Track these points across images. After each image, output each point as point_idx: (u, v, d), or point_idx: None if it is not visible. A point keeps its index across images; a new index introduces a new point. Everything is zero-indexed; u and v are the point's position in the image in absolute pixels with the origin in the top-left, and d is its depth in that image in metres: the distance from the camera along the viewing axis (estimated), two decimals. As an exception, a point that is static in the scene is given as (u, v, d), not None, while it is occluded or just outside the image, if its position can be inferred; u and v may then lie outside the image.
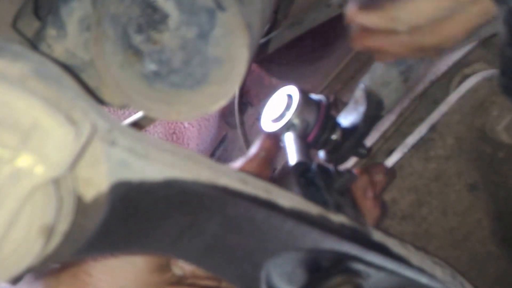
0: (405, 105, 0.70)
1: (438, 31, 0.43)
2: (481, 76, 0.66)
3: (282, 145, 0.62)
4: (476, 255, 0.68)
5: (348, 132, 0.64)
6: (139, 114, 0.56)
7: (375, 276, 0.33)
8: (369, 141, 0.69)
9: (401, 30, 0.44)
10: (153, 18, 0.33)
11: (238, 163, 0.44)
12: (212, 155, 1.16)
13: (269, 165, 0.44)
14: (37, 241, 0.24)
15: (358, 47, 0.50)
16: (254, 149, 0.44)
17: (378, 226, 0.41)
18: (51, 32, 0.38)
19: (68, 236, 0.25)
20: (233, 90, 0.35)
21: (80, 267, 0.36)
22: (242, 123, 0.89)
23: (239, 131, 0.90)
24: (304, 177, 0.44)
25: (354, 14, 0.46)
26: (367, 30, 0.47)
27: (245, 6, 0.34)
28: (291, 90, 0.66)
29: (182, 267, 0.39)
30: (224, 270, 0.33)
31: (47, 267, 0.29)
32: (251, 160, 0.43)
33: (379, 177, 0.47)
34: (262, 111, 0.69)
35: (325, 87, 0.88)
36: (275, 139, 0.46)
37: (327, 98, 0.66)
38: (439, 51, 0.47)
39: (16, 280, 0.25)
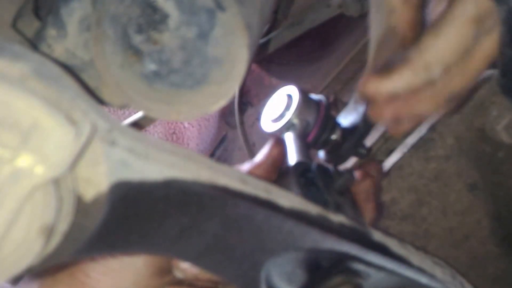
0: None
1: (468, 66, 0.37)
2: (480, 76, 0.66)
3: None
4: (476, 255, 0.68)
5: (348, 132, 0.64)
6: (139, 114, 0.56)
7: (375, 276, 0.33)
8: (369, 141, 0.69)
9: (436, 77, 0.37)
10: (153, 18, 0.33)
11: (243, 167, 0.44)
12: (212, 155, 1.16)
13: (274, 173, 0.44)
14: (37, 241, 0.24)
15: (386, 121, 0.40)
16: (261, 155, 0.44)
17: (377, 226, 0.41)
18: (51, 32, 0.38)
19: (68, 236, 0.25)
20: (233, 90, 0.35)
21: (78, 267, 0.35)
22: (242, 123, 0.90)
23: (239, 131, 0.90)
24: (304, 177, 0.44)
25: (377, 84, 0.37)
26: (394, 97, 0.38)
27: (245, 6, 0.34)
28: (291, 90, 0.66)
29: (184, 270, 0.39)
30: (224, 270, 0.33)
31: (47, 267, 0.29)
32: (257, 167, 0.43)
33: (373, 174, 0.46)
34: (262, 111, 0.69)
35: (325, 87, 0.89)
36: (282, 146, 0.46)
37: (327, 98, 0.66)
38: (461, 98, 0.40)
39: (16, 280, 0.25)
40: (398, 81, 0.37)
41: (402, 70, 0.37)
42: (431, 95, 0.37)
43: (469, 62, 0.37)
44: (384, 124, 0.41)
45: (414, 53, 0.37)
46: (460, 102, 0.40)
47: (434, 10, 0.39)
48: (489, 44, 0.36)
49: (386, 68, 0.37)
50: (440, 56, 0.36)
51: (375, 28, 0.41)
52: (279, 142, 0.46)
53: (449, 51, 0.36)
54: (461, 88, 0.38)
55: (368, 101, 0.39)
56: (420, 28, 0.39)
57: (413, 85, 0.37)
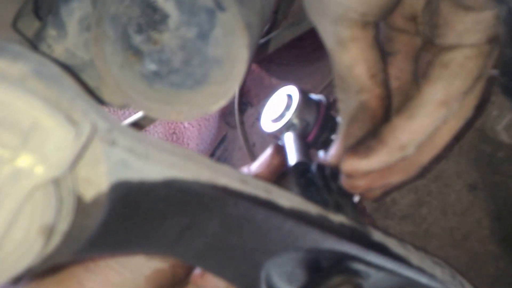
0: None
1: (437, 141, 0.40)
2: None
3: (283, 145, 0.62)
4: (476, 255, 0.68)
5: (348, 132, 0.64)
6: (139, 114, 0.56)
7: (375, 276, 0.33)
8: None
9: (409, 155, 0.40)
10: (153, 18, 0.33)
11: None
12: (212, 155, 1.16)
13: (272, 180, 0.44)
14: (37, 241, 0.24)
15: (361, 192, 0.43)
16: (261, 164, 0.44)
17: (377, 226, 0.41)
18: (51, 32, 0.38)
19: (68, 236, 0.25)
20: (233, 90, 0.35)
21: (70, 274, 0.33)
22: (242, 123, 0.90)
23: (239, 131, 0.90)
24: (304, 177, 0.44)
25: (355, 164, 0.40)
26: (369, 172, 0.41)
27: (245, 6, 0.34)
28: (291, 90, 0.66)
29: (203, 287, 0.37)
30: (224, 270, 0.33)
31: (47, 267, 0.29)
32: (257, 176, 0.43)
33: None
34: (262, 111, 0.69)
35: (325, 87, 0.88)
36: (283, 156, 0.46)
37: (327, 98, 0.66)
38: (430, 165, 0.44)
39: (16, 280, 0.25)
40: (375, 161, 0.40)
41: (378, 151, 0.39)
42: (403, 168, 0.41)
43: (438, 138, 0.40)
44: (357, 193, 0.44)
45: (389, 134, 0.40)
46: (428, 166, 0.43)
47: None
48: (456, 123, 0.40)
49: (362, 149, 0.40)
50: (414, 137, 0.39)
51: (344, 105, 0.42)
52: (280, 150, 0.46)
53: (422, 133, 0.39)
54: (430, 159, 0.42)
55: (344, 174, 0.42)
56: (388, 102, 0.42)
57: (388, 163, 0.40)
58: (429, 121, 0.39)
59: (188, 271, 0.36)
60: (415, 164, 0.41)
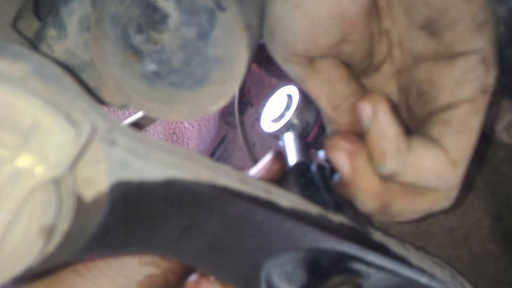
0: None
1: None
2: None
3: (282, 145, 0.62)
4: (476, 255, 0.68)
5: (348, 132, 0.63)
6: (139, 114, 0.56)
7: (375, 276, 0.33)
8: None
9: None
10: (153, 18, 0.33)
11: None
12: (212, 155, 1.16)
13: None
14: (37, 241, 0.24)
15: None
16: (260, 169, 0.44)
17: (377, 226, 0.41)
18: (51, 32, 0.38)
19: (68, 236, 0.25)
20: (233, 90, 0.35)
21: (59, 278, 0.32)
22: (242, 123, 0.90)
23: (239, 131, 0.90)
24: (304, 177, 0.44)
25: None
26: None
27: (245, 6, 0.34)
28: (291, 90, 0.66)
29: None
30: (224, 270, 0.33)
31: (47, 267, 0.29)
32: None
33: None
34: (262, 111, 0.69)
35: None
36: (283, 162, 0.46)
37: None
38: None
39: (16, 280, 0.25)
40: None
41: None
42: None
43: None
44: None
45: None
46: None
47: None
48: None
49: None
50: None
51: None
52: (280, 156, 0.46)
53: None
54: None
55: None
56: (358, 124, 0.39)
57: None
58: (437, 167, 0.35)
59: (182, 278, 0.36)
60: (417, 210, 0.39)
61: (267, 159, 0.45)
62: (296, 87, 0.65)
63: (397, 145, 0.35)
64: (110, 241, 0.28)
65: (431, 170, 0.35)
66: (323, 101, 0.40)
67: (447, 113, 0.35)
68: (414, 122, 0.39)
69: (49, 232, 0.24)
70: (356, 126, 0.40)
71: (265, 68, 1.01)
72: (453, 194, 0.39)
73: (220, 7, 0.33)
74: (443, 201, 0.38)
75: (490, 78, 0.35)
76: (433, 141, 0.35)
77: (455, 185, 0.38)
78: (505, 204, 0.67)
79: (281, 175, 0.44)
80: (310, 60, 0.38)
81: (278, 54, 0.39)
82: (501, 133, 0.64)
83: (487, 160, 0.66)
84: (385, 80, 0.41)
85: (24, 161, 0.22)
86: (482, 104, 0.35)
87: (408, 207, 0.38)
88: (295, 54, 0.38)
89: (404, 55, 0.38)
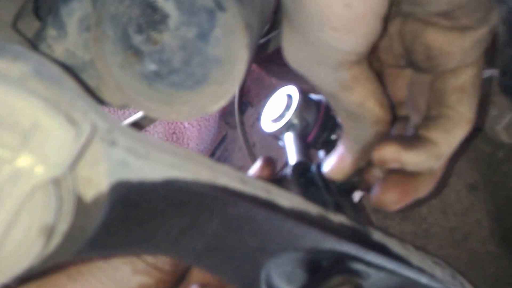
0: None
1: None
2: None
3: (281, 145, 0.62)
4: (476, 255, 0.68)
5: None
6: (139, 114, 0.56)
7: (375, 276, 0.33)
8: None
9: (435, 168, 0.41)
10: (153, 18, 0.33)
11: None
12: (212, 155, 1.16)
13: None
14: (37, 241, 0.24)
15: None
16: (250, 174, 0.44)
17: (377, 226, 0.41)
18: (51, 32, 0.38)
19: (68, 236, 0.25)
20: (233, 90, 0.35)
21: (51, 281, 0.32)
22: (242, 123, 0.90)
23: (239, 131, 0.90)
24: (304, 177, 0.44)
25: (396, 152, 0.40)
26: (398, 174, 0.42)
27: (245, 6, 0.34)
28: (291, 90, 0.66)
29: None
30: (224, 270, 0.33)
31: (47, 267, 0.28)
32: None
33: None
34: (262, 111, 0.69)
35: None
36: (273, 167, 0.46)
37: (327, 98, 0.66)
38: None
39: (16, 280, 0.25)
40: (414, 158, 0.41)
41: (420, 151, 0.40)
42: (429, 181, 0.43)
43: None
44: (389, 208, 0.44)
45: (429, 142, 0.41)
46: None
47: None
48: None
49: (406, 143, 0.41)
50: (448, 150, 0.41)
51: (357, 132, 0.42)
52: (269, 163, 0.46)
53: (453, 147, 0.41)
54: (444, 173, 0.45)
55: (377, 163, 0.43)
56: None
57: (419, 167, 0.41)
58: (460, 137, 0.40)
59: None
60: (436, 178, 0.43)
61: (256, 165, 0.45)
62: (296, 87, 0.65)
63: (434, 155, 0.40)
64: (110, 241, 0.28)
65: (458, 141, 0.41)
66: (372, 102, 0.39)
67: (458, 78, 0.39)
68: (417, 70, 0.42)
69: (49, 232, 0.24)
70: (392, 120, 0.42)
71: (265, 68, 1.01)
72: None
73: (220, 7, 0.33)
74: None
75: (488, 42, 0.38)
76: (448, 115, 0.40)
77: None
78: (505, 204, 0.67)
79: (270, 178, 0.44)
80: (358, 63, 0.37)
81: (323, 64, 0.37)
82: (501, 133, 0.64)
83: (487, 160, 0.66)
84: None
85: (24, 161, 0.22)
86: (482, 63, 0.39)
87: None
88: (348, 60, 0.37)
89: (402, 15, 0.39)
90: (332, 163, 0.44)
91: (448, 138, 0.40)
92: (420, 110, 0.43)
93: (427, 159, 0.40)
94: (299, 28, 0.36)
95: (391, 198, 0.41)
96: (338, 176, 0.44)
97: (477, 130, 0.65)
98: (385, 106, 0.40)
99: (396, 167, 0.41)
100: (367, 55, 0.37)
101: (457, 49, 0.38)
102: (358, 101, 0.39)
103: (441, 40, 0.38)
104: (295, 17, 0.35)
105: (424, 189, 0.42)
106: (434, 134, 0.40)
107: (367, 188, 0.45)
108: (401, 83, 0.44)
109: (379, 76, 0.43)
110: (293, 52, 0.38)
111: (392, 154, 0.40)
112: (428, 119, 0.41)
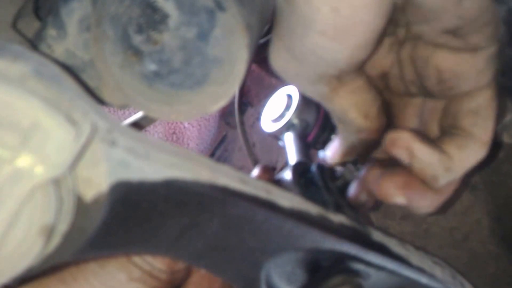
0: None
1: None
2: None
3: (281, 145, 0.62)
4: (476, 255, 0.68)
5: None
6: (139, 114, 0.56)
7: (375, 276, 0.33)
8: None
9: (441, 185, 0.40)
10: (153, 18, 0.33)
11: None
12: (212, 155, 1.16)
13: None
14: (37, 241, 0.24)
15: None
16: None
17: (377, 226, 0.41)
18: (51, 32, 0.38)
19: (68, 236, 0.25)
20: (233, 90, 0.35)
21: (43, 286, 0.31)
22: (242, 123, 0.90)
23: (239, 131, 0.90)
24: (304, 177, 0.44)
25: (411, 141, 0.39)
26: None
27: (245, 6, 0.34)
28: (291, 90, 0.66)
29: None
30: (224, 270, 0.33)
31: (47, 267, 0.28)
32: None
33: None
34: (262, 111, 0.69)
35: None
36: (270, 174, 0.46)
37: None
38: None
39: (16, 280, 0.25)
40: (427, 155, 0.39)
41: (432, 155, 0.39)
42: (431, 198, 0.42)
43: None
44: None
45: (441, 152, 0.39)
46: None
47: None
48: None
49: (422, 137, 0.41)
50: (461, 166, 0.40)
51: (344, 132, 0.43)
52: (266, 171, 0.46)
53: (465, 167, 0.40)
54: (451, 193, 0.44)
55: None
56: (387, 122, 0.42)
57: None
58: (475, 159, 0.39)
59: None
60: (441, 196, 0.41)
61: (254, 173, 0.45)
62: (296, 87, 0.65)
63: (443, 165, 0.38)
64: (110, 241, 0.28)
65: (474, 163, 0.39)
66: (354, 113, 0.39)
67: (472, 101, 0.38)
68: (429, 96, 0.41)
69: (49, 232, 0.24)
70: (384, 126, 0.41)
71: (265, 68, 1.01)
72: None
73: (220, 7, 0.33)
74: None
75: (496, 64, 0.37)
76: (463, 134, 0.39)
77: None
78: (505, 204, 0.67)
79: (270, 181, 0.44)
80: (339, 77, 0.38)
81: (303, 78, 0.38)
82: (501, 133, 0.64)
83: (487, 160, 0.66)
84: (383, 52, 0.40)
85: (24, 161, 0.22)
86: (494, 85, 0.38)
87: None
88: (325, 76, 0.37)
89: (412, 39, 0.38)
90: (329, 149, 0.45)
91: (461, 155, 0.39)
92: (433, 136, 0.42)
93: (437, 164, 0.39)
94: (287, 31, 0.36)
95: (391, 186, 0.40)
96: (329, 161, 0.44)
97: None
98: (371, 116, 0.40)
99: (404, 161, 0.39)
100: (350, 74, 0.38)
101: (470, 70, 0.37)
102: (340, 110, 0.39)
103: (453, 62, 0.37)
104: (286, 17, 0.35)
105: (426, 200, 0.41)
106: (448, 147, 0.39)
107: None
108: (411, 112, 0.43)
109: (388, 107, 0.43)
110: (278, 61, 0.39)
111: (405, 140, 0.39)
112: (444, 135, 0.40)
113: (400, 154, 0.39)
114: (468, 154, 0.39)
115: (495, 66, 0.37)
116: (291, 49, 0.36)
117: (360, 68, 0.39)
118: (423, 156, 0.38)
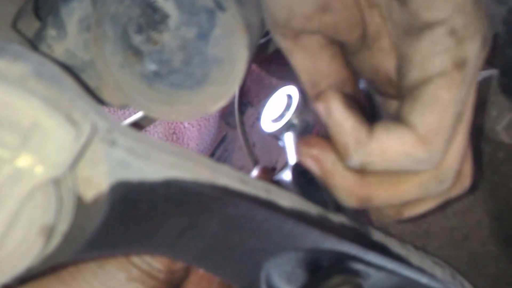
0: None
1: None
2: (481, 76, 0.66)
3: (281, 145, 0.62)
4: (476, 255, 0.68)
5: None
6: (139, 114, 0.56)
7: (375, 276, 0.33)
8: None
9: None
10: (153, 18, 0.33)
11: None
12: (212, 155, 1.16)
13: None
14: (37, 241, 0.24)
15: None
16: None
17: (377, 226, 0.41)
18: (51, 32, 0.38)
19: (68, 236, 0.25)
20: (233, 90, 0.35)
21: (42, 285, 0.31)
22: (242, 123, 0.89)
23: (239, 131, 0.90)
24: (304, 177, 0.44)
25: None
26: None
27: (245, 6, 0.34)
28: (291, 90, 0.66)
29: None
30: (224, 270, 0.33)
31: (47, 267, 0.28)
32: None
33: None
34: (262, 111, 0.69)
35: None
36: (269, 175, 0.45)
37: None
38: None
39: (16, 280, 0.25)
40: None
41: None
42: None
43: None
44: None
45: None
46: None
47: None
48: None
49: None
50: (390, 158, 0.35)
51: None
52: (266, 172, 0.45)
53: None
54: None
55: None
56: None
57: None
58: (400, 148, 0.34)
59: None
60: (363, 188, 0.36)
61: (253, 174, 0.45)
62: (296, 87, 0.65)
63: (356, 135, 0.34)
64: (110, 241, 0.28)
65: (398, 153, 0.33)
66: (304, 77, 0.39)
67: (418, 89, 0.34)
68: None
69: (49, 232, 0.24)
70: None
71: (265, 68, 1.01)
72: (449, 175, 0.37)
73: (220, 7, 0.33)
74: (436, 184, 0.37)
75: (464, 50, 0.33)
76: (401, 121, 0.34)
77: (446, 164, 0.37)
78: (505, 204, 0.67)
79: (270, 181, 0.44)
80: (295, 34, 0.37)
81: (269, 27, 0.38)
82: (501, 133, 0.64)
83: (487, 160, 0.66)
84: (383, 55, 0.39)
85: (24, 161, 0.22)
86: (457, 78, 0.33)
87: (393, 196, 0.35)
88: (278, 24, 0.37)
89: (393, 28, 0.36)
90: None
91: (382, 137, 0.34)
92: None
93: (350, 131, 0.34)
94: None
95: (301, 142, 0.36)
96: None
97: (477, 130, 0.65)
98: (319, 88, 0.39)
99: (322, 117, 0.36)
100: (307, 29, 0.37)
101: (416, 53, 0.34)
102: (296, 70, 0.39)
103: (406, 44, 0.34)
104: None
105: (342, 178, 0.35)
106: (377, 125, 0.35)
107: None
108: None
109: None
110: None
111: (329, 95, 0.35)
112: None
113: (319, 107, 0.35)
114: (391, 139, 0.33)
115: (451, 54, 0.33)
116: None
117: (322, 31, 0.38)
118: (337, 116, 0.34)
